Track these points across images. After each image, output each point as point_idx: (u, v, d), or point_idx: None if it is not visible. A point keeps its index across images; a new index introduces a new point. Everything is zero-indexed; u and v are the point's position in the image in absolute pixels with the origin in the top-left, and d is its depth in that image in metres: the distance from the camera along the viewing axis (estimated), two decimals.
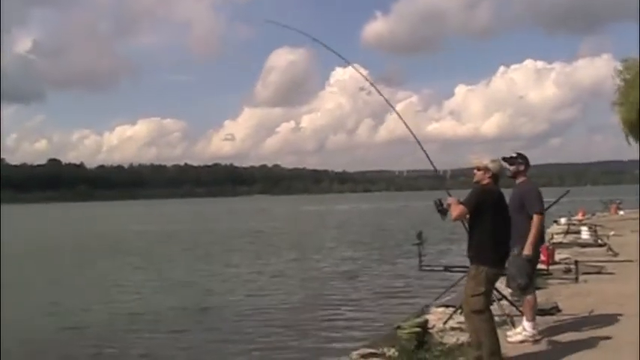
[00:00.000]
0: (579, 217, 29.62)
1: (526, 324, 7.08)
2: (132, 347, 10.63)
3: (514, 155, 7.37)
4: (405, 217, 53.34)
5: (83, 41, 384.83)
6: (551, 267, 12.02)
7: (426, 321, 7.87)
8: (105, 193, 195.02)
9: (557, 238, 19.37)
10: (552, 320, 8.01)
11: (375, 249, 26.52)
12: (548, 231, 22.00)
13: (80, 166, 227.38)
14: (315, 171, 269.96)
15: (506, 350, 6.42)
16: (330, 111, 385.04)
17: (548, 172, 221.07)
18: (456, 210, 6.04)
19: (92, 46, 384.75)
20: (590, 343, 6.84)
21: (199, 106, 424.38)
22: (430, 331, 7.66)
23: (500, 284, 7.85)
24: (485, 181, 6.15)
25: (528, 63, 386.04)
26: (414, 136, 7.97)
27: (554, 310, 8.48)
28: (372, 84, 8.82)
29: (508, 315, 7.87)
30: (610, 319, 7.88)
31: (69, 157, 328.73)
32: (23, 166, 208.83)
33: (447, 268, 10.20)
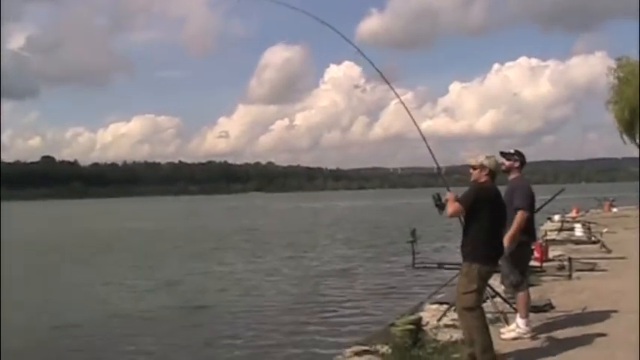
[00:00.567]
0: (573, 214, 29.67)
1: (519, 321, 7.08)
2: (124, 346, 10.59)
3: (511, 151, 7.42)
4: (399, 214, 53.37)
5: (77, 38, 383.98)
6: (544, 264, 12.04)
7: (420, 318, 7.86)
8: (99, 190, 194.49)
9: (551, 235, 19.37)
10: (546, 317, 8.01)
11: (368, 246, 26.54)
12: (542, 228, 22.05)
13: (74, 164, 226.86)
14: (309, 168, 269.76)
15: (499, 347, 6.42)
16: (325, 108, 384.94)
17: (542, 170, 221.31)
18: (451, 207, 6.04)
19: (86, 42, 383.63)
20: (583, 340, 6.85)
21: (194, 102, 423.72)
22: (424, 328, 7.65)
23: (494, 281, 7.85)
24: (483, 179, 6.15)
25: (523, 60, 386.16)
26: (420, 132, 7.91)
27: (548, 306, 8.48)
28: (379, 73, 8.64)
29: (501, 312, 7.87)
30: (603, 316, 7.89)
31: (63, 155, 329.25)
32: (17, 163, 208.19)
33: (440, 266, 10.22)
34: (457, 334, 7.03)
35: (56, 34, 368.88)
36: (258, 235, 35.52)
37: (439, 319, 8.10)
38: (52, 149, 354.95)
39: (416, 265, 9.63)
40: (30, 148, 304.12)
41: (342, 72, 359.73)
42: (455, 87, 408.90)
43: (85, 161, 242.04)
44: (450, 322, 7.84)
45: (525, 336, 6.99)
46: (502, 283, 7.62)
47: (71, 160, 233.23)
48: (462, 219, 6.28)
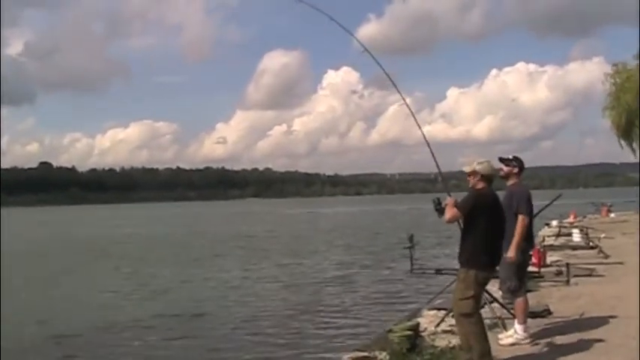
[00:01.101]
0: (570, 219, 29.70)
1: (517, 327, 7.09)
2: (119, 356, 10.50)
3: (510, 157, 7.43)
4: (397, 220, 53.37)
5: (75, 43, 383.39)
6: (542, 269, 12.05)
7: (418, 324, 7.86)
8: (96, 196, 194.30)
9: (549, 241, 19.41)
10: (544, 323, 8.02)
11: (366, 252, 26.49)
12: (540, 233, 22.08)
13: (72, 170, 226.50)
14: (307, 174, 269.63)
15: (497, 353, 6.42)
16: (323, 114, 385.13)
17: (539, 175, 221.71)
18: (449, 212, 6.07)
19: (84, 48, 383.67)
20: (581, 346, 6.85)
21: (191, 108, 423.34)
22: (422, 334, 7.66)
23: (492, 287, 7.85)
24: (480, 186, 6.16)
25: (520, 66, 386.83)
26: (423, 134, 8.00)
27: (546, 312, 8.49)
28: (384, 71, 8.65)
29: (499, 317, 7.87)
30: (601, 322, 7.89)
31: (60, 161, 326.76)
32: (14, 169, 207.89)
33: (438, 271, 10.20)
34: (455, 340, 7.03)
35: (54, 40, 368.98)
36: (256, 242, 35.45)
37: (437, 325, 8.10)
38: (49, 155, 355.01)
39: (414, 271, 9.62)
40: (27, 154, 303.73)
41: (340, 78, 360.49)
42: (453, 92, 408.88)
43: (82, 167, 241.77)
44: (448, 328, 7.85)
45: (523, 342, 6.99)
46: (500, 288, 7.62)
47: (69, 166, 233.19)
48: (461, 224, 6.29)
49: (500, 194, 6.72)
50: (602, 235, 19.47)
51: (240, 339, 11.18)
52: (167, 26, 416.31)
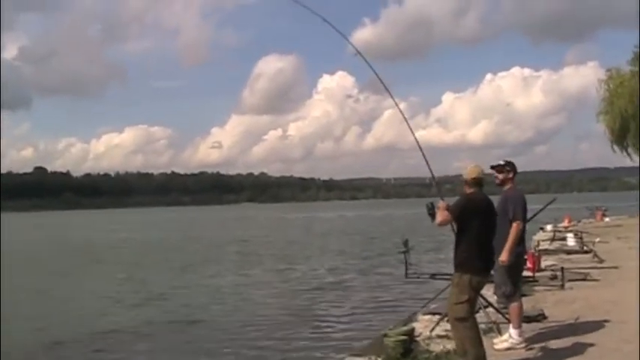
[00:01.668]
0: (565, 223, 29.75)
1: (512, 331, 7.08)
2: None
3: (502, 163, 7.40)
4: (392, 225, 53.38)
5: (70, 48, 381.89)
6: (537, 274, 12.06)
7: (413, 329, 7.87)
8: (91, 201, 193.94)
9: (543, 245, 19.43)
10: (539, 327, 8.02)
11: (361, 257, 26.48)
12: (535, 238, 22.12)
13: (66, 174, 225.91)
14: (302, 179, 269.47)
15: (492, 357, 6.43)
16: (318, 118, 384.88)
17: (534, 180, 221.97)
18: (441, 216, 6.08)
19: (79, 52, 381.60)
20: (576, 350, 6.86)
21: (187, 113, 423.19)
22: (417, 339, 7.65)
23: (487, 291, 7.86)
24: (468, 191, 6.19)
25: (515, 70, 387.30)
26: (416, 140, 8.00)
27: (541, 317, 8.49)
28: (376, 75, 8.66)
29: (494, 322, 7.87)
30: (596, 326, 7.90)
31: (55, 165, 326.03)
32: (9, 174, 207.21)
33: (433, 276, 10.19)
34: (450, 345, 7.02)
35: (49, 45, 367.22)
36: (251, 247, 35.38)
37: (432, 330, 8.09)
38: (44, 160, 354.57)
39: (409, 276, 9.62)
40: (22, 158, 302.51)
41: (336, 82, 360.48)
42: (448, 97, 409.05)
43: (77, 172, 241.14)
44: (443, 333, 7.85)
45: (518, 346, 6.99)
46: (495, 293, 7.62)
47: (64, 170, 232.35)
48: (454, 229, 6.30)
49: (495, 199, 6.74)
50: (597, 240, 19.47)
51: (234, 345, 11.12)
52: (163, 30, 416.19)
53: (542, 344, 7.16)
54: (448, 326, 7.65)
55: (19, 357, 11.17)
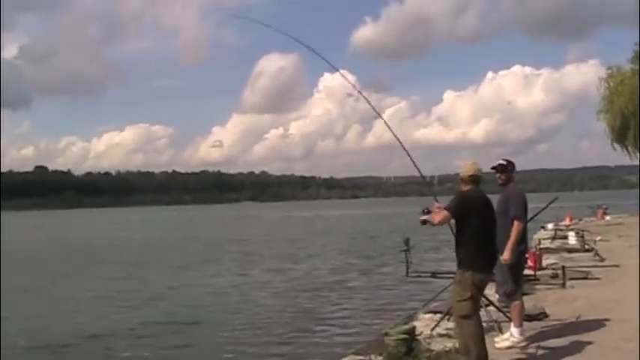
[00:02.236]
0: (566, 222, 29.71)
1: (514, 330, 7.07)
2: None
3: (504, 163, 7.34)
4: (393, 223, 53.34)
5: (70, 47, 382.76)
6: (538, 272, 12.04)
7: (414, 328, 7.84)
8: (92, 200, 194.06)
9: (545, 244, 19.42)
10: (540, 326, 8.01)
11: (362, 256, 26.48)
12: (535, 236, 22.09)
13: (67, 173, 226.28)
14: (303, 177, 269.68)
15: (494, 356, 6.42)
16: (318, 117, 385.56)
17: (535, 178, 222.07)
18: (439, 215, 6.09)
19: (79, 51, 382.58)
20: (577, 349, 6.85)
21: (187, 112, 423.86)
22: (417, 337, 7.63)
23: (489, 290, 7.84)
24: (464, 188, 6.20)
25: (516, 69, 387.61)
26: (400, 142, 7.98)
27: (542, 315, 8.48)
28: (359, 92, 8.79)
29: (495, 321, 7.86)
30: (597, 324, 7.90)
31: (56, 164, 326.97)
32: (9, 173, 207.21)
33: (434, 275, 10.18)
34: (451, 344, 7.02)
35: (49, 44, 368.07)
36: (251, 246, 35.38)
37: (433, 329, 8.08)
38: (45, 159, 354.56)
39: (409, 275, 9.59)
40: (23, 157, 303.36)
41: (336, 81, 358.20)
42: (449, 96, 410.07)
43: (78, 171, 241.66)
44: (444, 332, 7.85)
45: (519, 345, 6.97)
46: (496, 292, 7.61)
47: (64, 169, 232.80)
48: (453, 228, 6.30)
49: (494, 197, 6.73)
50: (598, 238, 19.46)
51: (236, 345, 11.08)
52: (163, 29, 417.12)
53: (544, 343, 7.16)
54: (449, 325, 7.67)
55: (18, 358, 11.09)
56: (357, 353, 7.62)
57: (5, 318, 13.97)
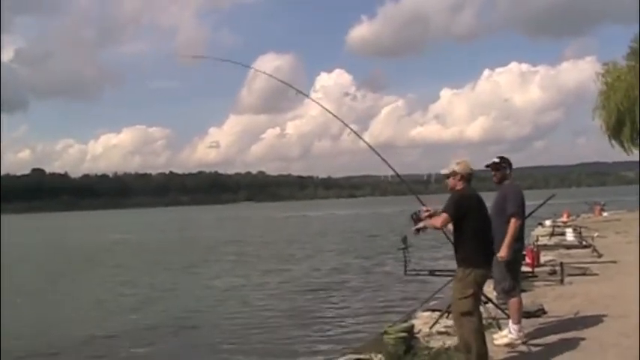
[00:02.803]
0: (564, 219, 29.70)
1: (512, 326, 7.08)
2: None
3: (497, 161, 7.34)
4: (391, 222, 53.32)
5: (66, 49, 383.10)
6: (536, 269, 12.03)
7: (412, 326, 7.85)
8: (89, 202, 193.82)
9: (543, 240, 19.44)
10: (538, 322, 8.02)
11: (360, 255, 26.50)
12: (533, 233, 22.11)
13: (64, 176, 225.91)
14: (300, 177, 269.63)
15: (492, 353, 6.42)
16: (315, 117, 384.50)
17: (532, 175, 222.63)
18: (438, 219, 6.13)
19: (76, 54, 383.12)
20: (576, 345, 6.86)
21: (184, 113, 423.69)
22: (416, 335, 7.64)
23: (487, 287, 7.84)
24: (460, 187, 6.20)
25: (513, 66, 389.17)
26: (369, 144, 7.97)
27: (540, 312, 8.48)
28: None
29: (494, 318, 7.86)
30: (595, 320, 7.91)
31: (53, 167, 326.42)
32: (7, 176, 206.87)
33: (432, 273, 10.18)
34: (450, 341, 7.03)
35: (45, 47, 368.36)
36: (249, 247, 35.30)
37: (431, 327, 8.08)
38: (42, 162, 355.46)
39: (408, 273, 9.58)
40: (20, 160, 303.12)
41: (333, 80, 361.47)
42: (446, 93, 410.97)
43: (75, 173, 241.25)
44: (443, 330, 7.85)
45: (518, 342, 6.98)
46: (494, 289, 7.61)
47: (62, 172, 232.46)
48: (451, 227, 6.31)
49: (490, 195, 6.74)
50: (596, 234, 19.50)
51: (234, 346, 11.07)
52: (159, 31, 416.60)
53: (542, 339, 7.16)
54: (448, 322, 7.67)
55: None
56: (356, 352, 7.62)
57: (4, 321, 13.81)
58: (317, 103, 8.36)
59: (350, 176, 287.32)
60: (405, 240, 9.16)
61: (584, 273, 12.03)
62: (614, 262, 13.47)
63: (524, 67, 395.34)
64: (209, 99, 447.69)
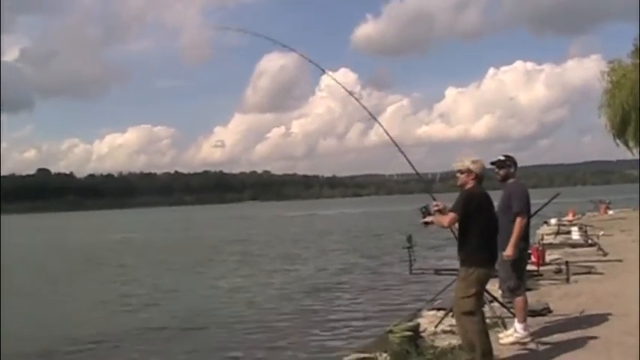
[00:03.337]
0: (569, 217, 29.70)
1: (517, 325, 7.08)
2: None
3: (502, 158, 7.36)
4: (396, 221, 53.29)
5: (71, 49, 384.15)
6: (541, 268, 12.04)
7: (418, 325, 7.86)
8: (95, 202, 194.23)
9: (548, 239, 19.41)
10: (544, 321, 8.02)
11: (365, 254, 26.49)
12: (539, 232, 22.09)
13: (70, 176, 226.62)
14: (305, 176, 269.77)
15: (498, 352, 6.43)
16: (320, 116, 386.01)
17: (537, 174, 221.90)
18: (447, 218, 6.10)
19: (80, 53, 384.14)
20: (581, 344, 6.86)
21: (189, 112, 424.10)
22: (422, 334, 7.65)
23: (492, 286, 7.85)
24: (470, 185, 6.18)
25: (518, 64, 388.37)
26: (396, 144, 8.00)
27: (546, 311, 8.49)
28: (350, 93, 8.79)
29: (499, 317, 7.88)
30: (601, 319, 7.91)
31: (58, 167, 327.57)
32: (12, 176, 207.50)
33: (437, 272, 10.20)
34: (455, 340, 7.03)
35: (50, 46, 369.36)
36: (254, 246, 35.24)
37: (437, 326, 8.10)
38: (47, 161, 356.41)
39: (413, 272, 9.61)
40: (25, 160, 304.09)
41: (338, 79, 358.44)
42: (451, 92, 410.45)
43: (80, 173, 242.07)
44: (448, 329, 7.86)
45: (523, 340, 6.98)
46: (500, 287, 7.62)
47: (67, 172, 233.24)
48: (456, 225, 6.31)
49: (496, 194, 6.73)
50: (601, 233, 19.49)
51: (239, 346, 11.04)
52: (164, 30, 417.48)
53: (548, 338, 7.16)
54: (453, 322, 7.67)
55: None
56: (361, 351, 7.64)
57: (4, 321, 13.76)
58: (341, 86, 8.31)
59: (355, 175, 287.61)
60: (409, 239, 9.19)
61: (589, 272, 12.02)
62: (620, 260, 13.46)
63: (530, 65, 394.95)
64: (214, 98, 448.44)
